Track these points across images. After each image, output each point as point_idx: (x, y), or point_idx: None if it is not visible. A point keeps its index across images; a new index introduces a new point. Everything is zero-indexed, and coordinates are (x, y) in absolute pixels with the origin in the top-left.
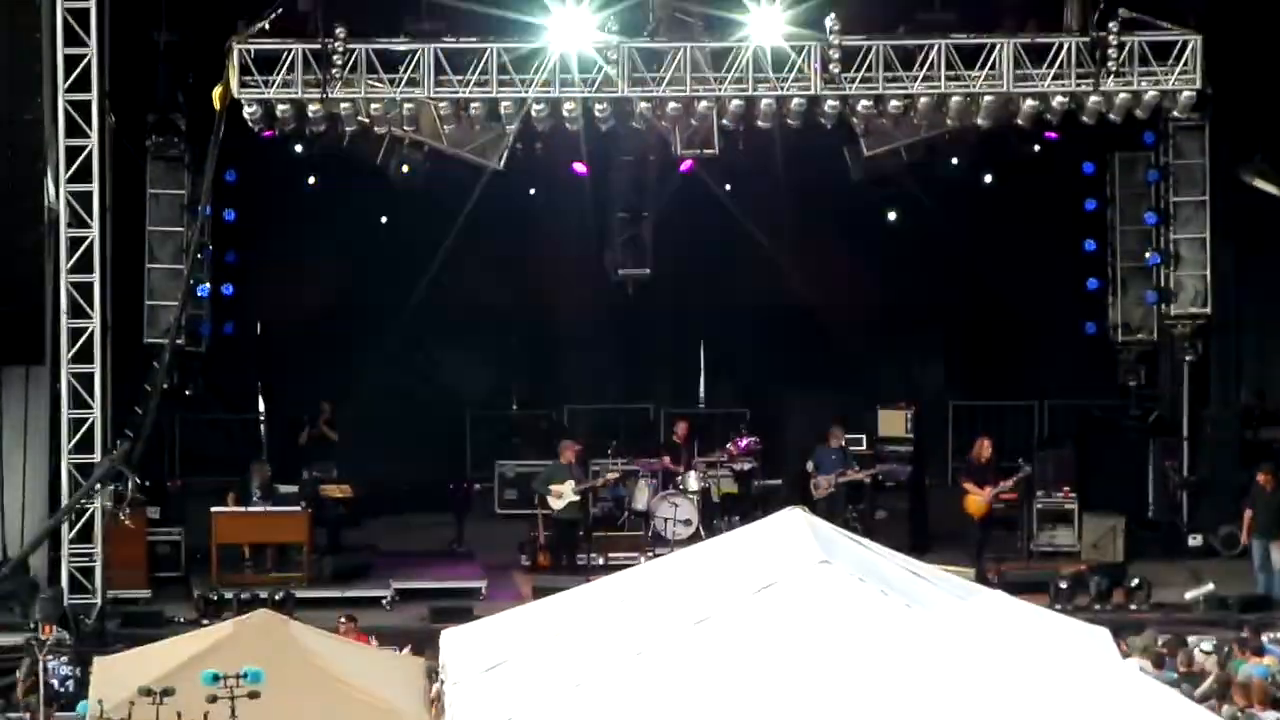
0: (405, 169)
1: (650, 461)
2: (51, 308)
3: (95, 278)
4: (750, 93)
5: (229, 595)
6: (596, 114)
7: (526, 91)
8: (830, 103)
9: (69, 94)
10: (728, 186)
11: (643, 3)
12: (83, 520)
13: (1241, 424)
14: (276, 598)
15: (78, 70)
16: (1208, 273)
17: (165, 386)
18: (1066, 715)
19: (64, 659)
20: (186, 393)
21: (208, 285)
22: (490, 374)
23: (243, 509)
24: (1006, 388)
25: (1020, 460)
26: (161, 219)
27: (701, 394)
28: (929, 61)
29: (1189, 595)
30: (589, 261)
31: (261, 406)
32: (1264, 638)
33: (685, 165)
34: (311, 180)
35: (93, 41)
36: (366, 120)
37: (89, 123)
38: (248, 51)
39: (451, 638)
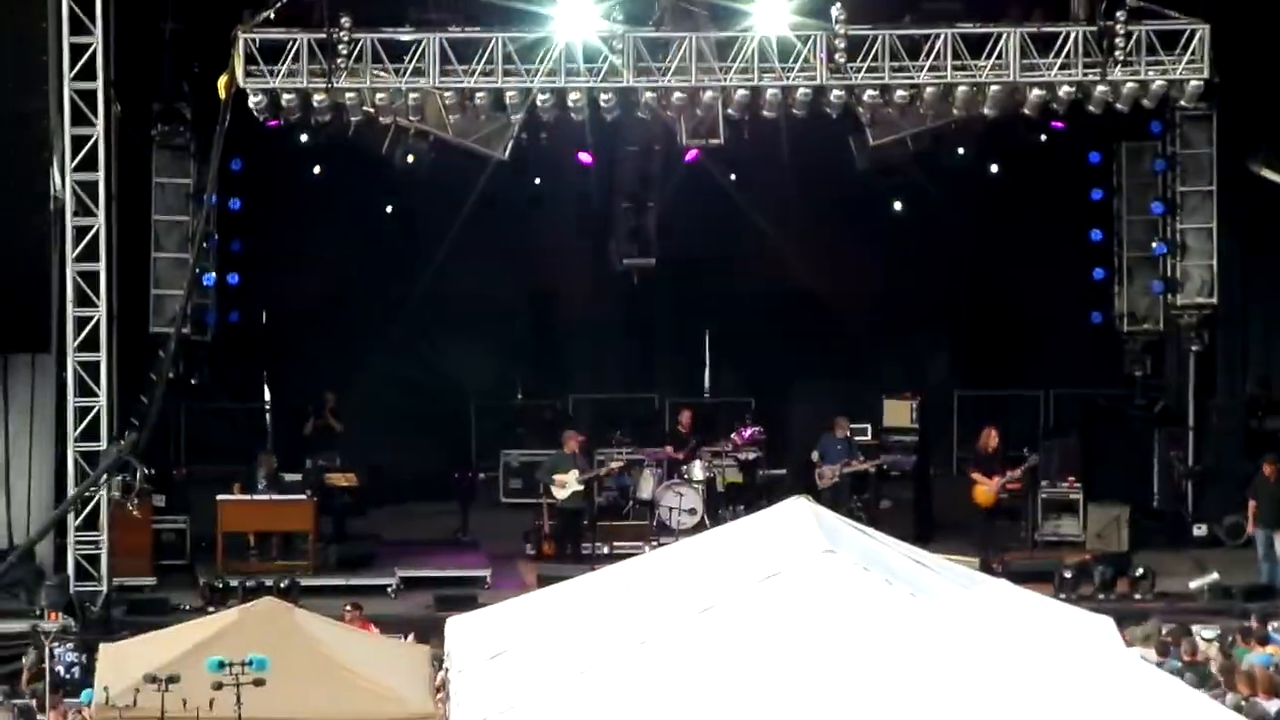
0: (410, 159)
1: (655, 451)
2: (57, 296)
3: (101, 266)
4: (755, 82)
5: (234, 583)
6: (602, 104)
7: (531, 81)
8: (836, 92)
9: (74, 83)
10: (733, 176)
11: None
12: (88, 508)
13: (1247, 414)
14: (282, 586)
15: (83, 59)
16: (1214, 263)
17: (171, 375)
18: (1070, 704)
19: (70, 646)
20: (192, 382)
21: (213, 274)
22: (495, 363)
23: (248, 497)
24: (1012, 377)
25: (1026, 450)
26: (167, 208)
27: (706, 383)
28: (935, 51)
29: (1193, 585)
30: (594, 251)
31: (267, 395)
32: (1269, 626)
33: (690, 155)
34: (317, 170)
35: (98, 30)
36: (372, 110)
37: (94, 112)
38: (253, 41)
39: (456, 626)
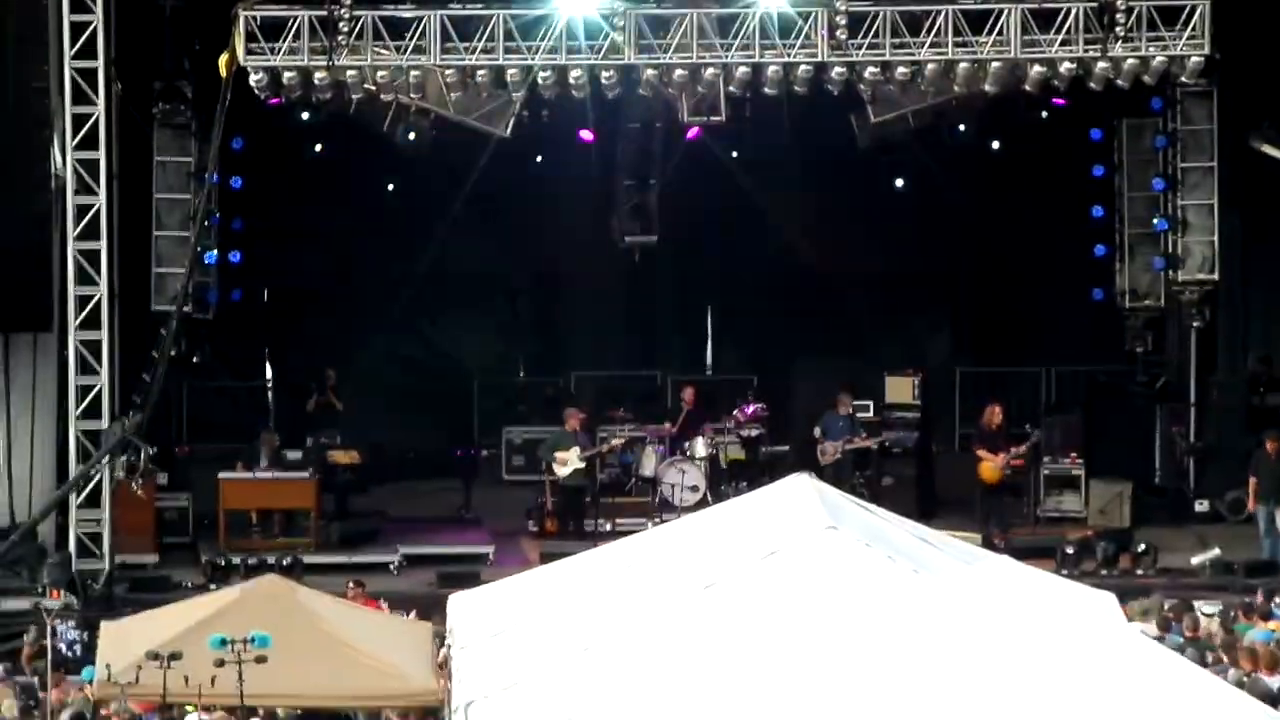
0: (412, 136)
1: (657, 428)
2: (59, 275)
3: (102, 245)
4: (757, 59)
5: (236, 560)
6: (603, 81)
7: (533, 59)
8: (837, 69)
9: (75, 61)
10: (734, 153)
11: None
12: (90, 486)
13: (1248, 390)
14: (284, 563)
15: (84, 37)
16: (1215, 239)
17: (172, 353)
18: (1072, 679)
19: (72, 624)
20: (194, 360)
21: (215, 252)
22: (497, 341)
23: (250, 475)
24: (1014, 354)
25: (1028, 426)
26: (168, 186)
27: (709, 360)
28: (936, 27)
29: (1195, 560)
30: (596, 228)
31: (269, 373)
32: (1271, 602)
33: (692, 132)
34: (318, 147)
35: (99, 8)
36: (373, 87)
37: (95, 90)
38: (254, 18)
39: (459, 603)
